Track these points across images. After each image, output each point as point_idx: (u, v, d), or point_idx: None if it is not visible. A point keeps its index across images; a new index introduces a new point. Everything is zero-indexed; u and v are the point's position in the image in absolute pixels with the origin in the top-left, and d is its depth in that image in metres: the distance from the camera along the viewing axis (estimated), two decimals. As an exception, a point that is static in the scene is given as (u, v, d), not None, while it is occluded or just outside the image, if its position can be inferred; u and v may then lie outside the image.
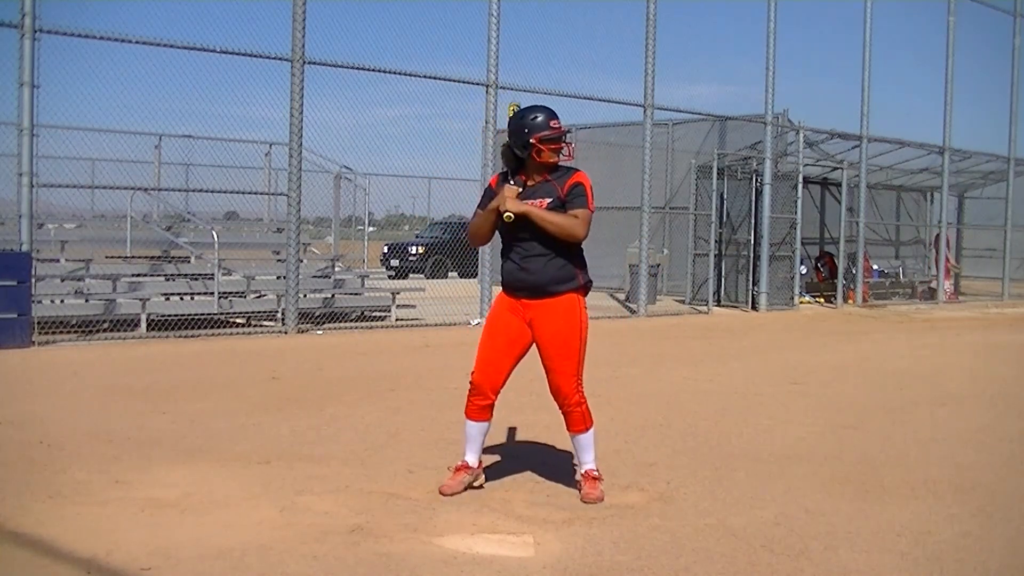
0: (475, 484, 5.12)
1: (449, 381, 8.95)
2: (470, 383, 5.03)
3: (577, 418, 5.00)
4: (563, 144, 4.93)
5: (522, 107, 4.98)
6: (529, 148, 4.84)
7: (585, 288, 5.03)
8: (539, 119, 4.85)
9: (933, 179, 24.00)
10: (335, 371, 9.74)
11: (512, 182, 4.95)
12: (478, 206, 5.08)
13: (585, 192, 4.88)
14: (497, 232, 5.02)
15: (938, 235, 24.03)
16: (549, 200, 4.87)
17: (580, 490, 5.06)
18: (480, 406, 5.02)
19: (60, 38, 10.86)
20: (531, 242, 4.88)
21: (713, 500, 5.12)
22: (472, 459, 5.11)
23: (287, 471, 5.51)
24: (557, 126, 4.88)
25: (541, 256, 4.88)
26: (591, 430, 5.04)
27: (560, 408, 5.02)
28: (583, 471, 5.09)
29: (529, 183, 4.93)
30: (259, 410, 7.38)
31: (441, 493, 5.00)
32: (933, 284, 23.45)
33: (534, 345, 5.00)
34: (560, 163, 4.99)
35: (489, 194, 5.01)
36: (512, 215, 4.79)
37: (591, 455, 5.07)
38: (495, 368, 4.96)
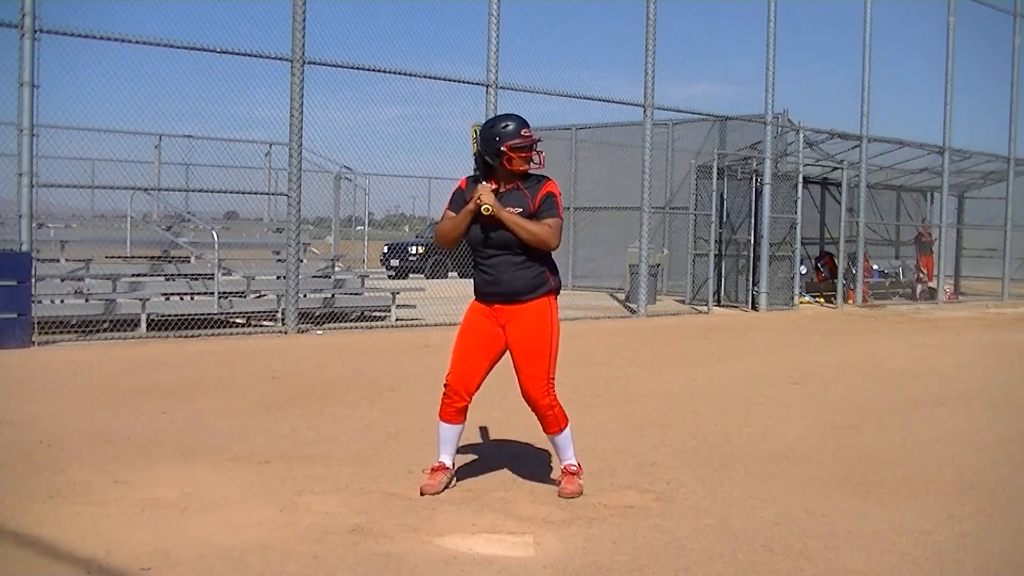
0: (450, 485, 5.18)
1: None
2: (445, 386, 5.09)
3: (551, 421, 5.04)
4: (533, 152, 5.00)
5: (493, 116, 5.06)
6: (500, 156, 4.90)
7: (555, 291, 5.07)
8: (510, 127, 4.92)
9: (933, 179, 24.01)
10: (335, 371, 9.74)
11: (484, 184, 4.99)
12: (448, 207, 5.08)
13: (556, 203, 4.97)
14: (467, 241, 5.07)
15: (919, 235, 24.07)
16: (519, 209, 4.92)
17: (558, 486, 5.14)
18: (455, 409, 5.09)
19: (60, 38, 10.86)
20: (502, 250, 4.93)
21: (713, 500, 5.12)
22: (448, 460, 5.18)
23: (287, 471, 5.51)
24: (528, 135, 4.94)
25: (513, 264, 4.93)
26: (566, 430, 5.08)
27: (533, 412, 5.06)
28: (562, 466, 5.16)
29: (500, 190, 4.98)
30: (259, 410, 7.38)
31: (422, 492, 5.03)
32: (929, 284, 23.46)
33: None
34: (531, 171, 5.05)
35: (459, 196, 5.04)
36: (491, 208, 4.81)
37: (570, 452, 5.13)
38: (470, 371, 5.03)
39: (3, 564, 3.96)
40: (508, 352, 5.03)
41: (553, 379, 5.00)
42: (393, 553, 4.16)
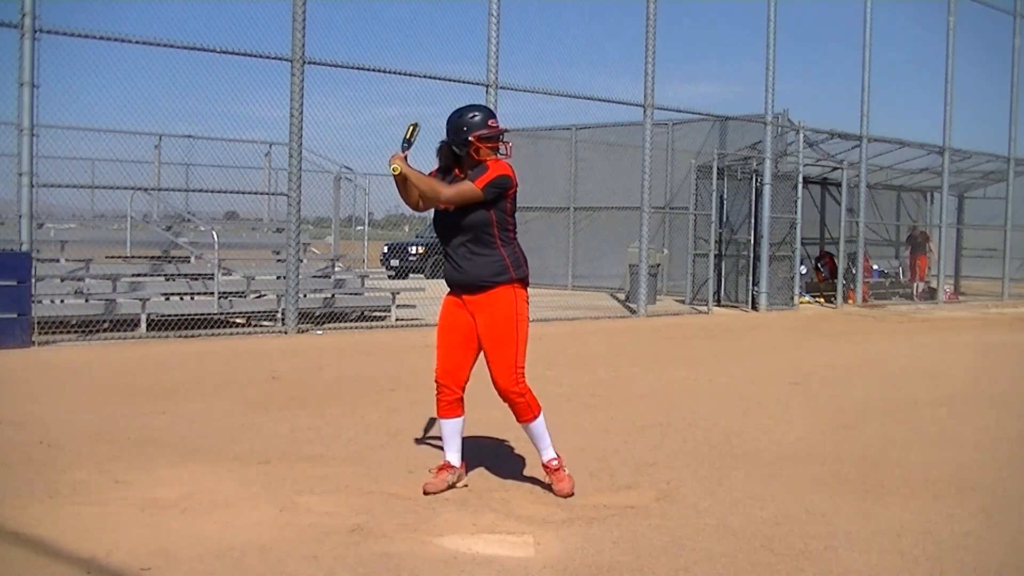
0: (458, 484, 5.16)
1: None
2: (435, 383, 5.15)
3: (523, 409, 5.05)
4: (500, 143, 5.04)
5: (460, 107, 5.10)
6: (467, 146, 4.96)
7: (520, 281, 5.08)
8: (477, 118, 4.98)
9: (933, 179, 24.01)
10: (335, 371, 9.74)
11: (448, 179, 5.03)
12: None
13: (484, 172, 4.93)
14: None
15: (910, 234, 24.08)
16: (462, 178, 4.97)
17: (552, 487, 5.13)
18: (448, 402, 5.14)
19: (60, 38, 10.86)
20: (458, 240, 5.02)
21: (713, 500, 5.12)
22: (453, 458, 5.17)
23: (287, 471, 5.51)
24: (495, 125, 5.00)
25: (470, 253, 5.01)
26: (539, 418, 5.08)
27: (504, 401, 5.08)
28: (543, 463, 5.15)
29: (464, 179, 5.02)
30: (259, 410, 7.38)
31: (424, 492, 5.03)
32: (921, 283, 23.50)
33: None
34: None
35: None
36: (398, 168, 4.86)
37: (546, 442, 5.12)
38: (454, 364, 5.11)
39: (3, 564, 3.96)
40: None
41: (522, 368, 5.03)
42: (393, 553, 4.16)
